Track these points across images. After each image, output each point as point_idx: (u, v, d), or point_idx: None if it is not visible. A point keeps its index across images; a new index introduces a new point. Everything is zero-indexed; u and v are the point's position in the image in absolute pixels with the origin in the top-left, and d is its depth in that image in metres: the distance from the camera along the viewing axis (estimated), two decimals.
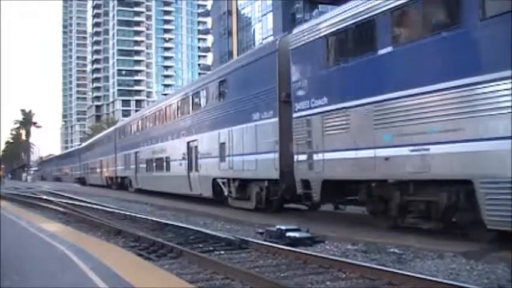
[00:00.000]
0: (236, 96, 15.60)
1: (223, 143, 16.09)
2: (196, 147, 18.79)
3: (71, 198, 24.58)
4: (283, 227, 9.77)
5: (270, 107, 13.30)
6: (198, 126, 18.85)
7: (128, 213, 15.88)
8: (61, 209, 18.19)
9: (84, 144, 59.39)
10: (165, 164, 22.94)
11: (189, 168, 19.37)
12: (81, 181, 52.89)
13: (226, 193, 16.28)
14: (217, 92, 17.25)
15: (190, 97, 20.46)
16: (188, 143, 19.69)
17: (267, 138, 13.37)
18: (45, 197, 26.00)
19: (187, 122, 20.39)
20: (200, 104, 19.39)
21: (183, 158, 20.07)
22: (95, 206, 19.05)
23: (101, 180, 41.28)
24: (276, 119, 13.02)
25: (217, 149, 16.61)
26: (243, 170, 14.76)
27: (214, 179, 16.97)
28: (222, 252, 8.81)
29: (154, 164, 24.90)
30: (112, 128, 41.36)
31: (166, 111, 24.18)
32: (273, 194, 13.80)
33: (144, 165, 26.85)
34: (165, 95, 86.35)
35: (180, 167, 20.32)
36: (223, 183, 16.44)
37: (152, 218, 13.90)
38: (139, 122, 30.00)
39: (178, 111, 21.99)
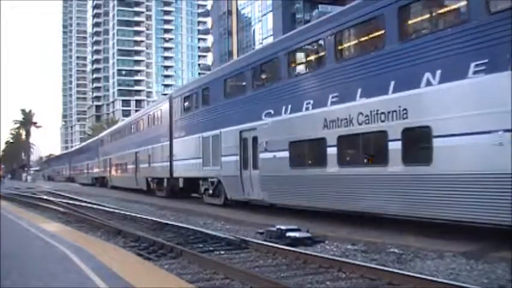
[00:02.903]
0: None
1: None
2: None
3: (71, 198, 24.56)
4: (283, 227, 9.78)
5: None
6: None
7: (128, 213, 15.87)
8: (61, 209, 18.18)
9: (104, 134, 44.64)
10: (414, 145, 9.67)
11: None
12: (100, 182, 41.09)
13: None
14: None
15: None
16: None
17: None
18: (45, 197, 25.97)
19: None
20: None
21: None
22: (95, 206, 19.04)
23: (135, 182, 28.31)
24: None
25: None
26: None
27: None
28: (222, 252, 8.81)
29: (338, 150, 11.11)
30: (164, 98, 25.64)
31: None
32: None
33: (283, 155, 12.96)
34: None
35: None
36: None
37: (152, 218, 13.89)
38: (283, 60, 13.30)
39: None
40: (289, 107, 12.60)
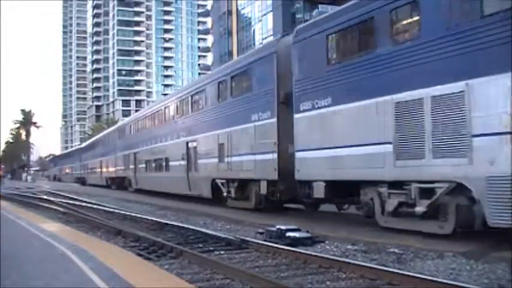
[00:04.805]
0: None
1: None
2: None
3: (71, 198, 24.56)
4: (283, 227, 9.77)
5: None
6: None
7: (128, 213, 15.86)
8: (61, 209, 18.18)
9: (125, 121, 36.88)
10: None
11: None
12: (118, 184, 33.77)
13: None
14: None
15: None
16: None
17: None
18: (45, 197, 25.99)
19: None
20: None
21: None
22: (95, 206, 19.04)
23: (186, 185, 19.76)
24: None
25: None
26: None
27: None
28: (222, 252, 8.80)
29: None
30: (263, 48, 17.07)
31: None
32: None
33: None
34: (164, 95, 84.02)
35: None
36: None
37: (152, 218, 13.88)
38: None
39: None
40: None
